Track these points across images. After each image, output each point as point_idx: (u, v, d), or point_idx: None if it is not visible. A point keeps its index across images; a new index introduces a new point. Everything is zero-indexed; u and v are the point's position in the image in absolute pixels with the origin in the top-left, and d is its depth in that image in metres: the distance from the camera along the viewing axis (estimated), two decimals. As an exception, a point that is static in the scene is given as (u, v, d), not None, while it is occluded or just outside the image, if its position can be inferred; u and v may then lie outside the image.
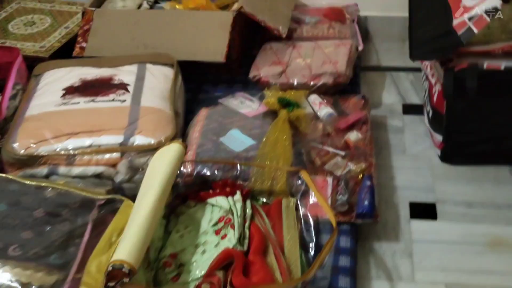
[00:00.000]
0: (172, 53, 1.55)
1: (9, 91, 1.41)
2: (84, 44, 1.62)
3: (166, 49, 1.58)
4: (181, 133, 1.40)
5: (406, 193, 1.37)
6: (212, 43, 1.59)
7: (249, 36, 1.76)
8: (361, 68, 1.77)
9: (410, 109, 1.64)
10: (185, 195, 1.24)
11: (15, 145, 1.24)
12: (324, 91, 1.56)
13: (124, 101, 1.35)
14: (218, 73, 1.67)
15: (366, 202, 1.24)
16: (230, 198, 1.17)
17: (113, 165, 1.25)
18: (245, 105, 1.45)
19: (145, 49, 1.60)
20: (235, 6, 1.66)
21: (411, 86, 1.73)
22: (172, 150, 1.18)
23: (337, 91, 1.58)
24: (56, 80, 1.44)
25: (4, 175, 1.21)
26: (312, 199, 1.20)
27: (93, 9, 1.66)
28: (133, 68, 1.49)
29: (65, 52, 1.66)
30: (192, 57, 1.58)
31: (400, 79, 1.76)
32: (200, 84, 1.68)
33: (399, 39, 1.89)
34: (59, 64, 1.51)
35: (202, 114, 1.43)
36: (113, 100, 1.35)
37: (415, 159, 1.47)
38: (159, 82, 1.44)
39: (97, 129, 1.27)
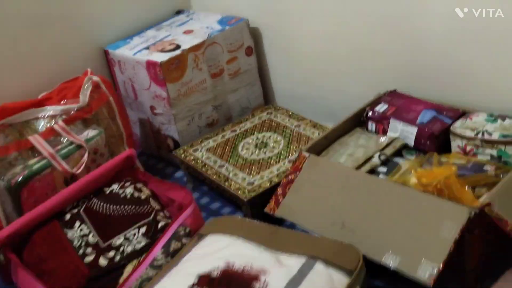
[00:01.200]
0: (369, 247, 1.12)
1: (155, 252, 1.21)
2: (280, 199, 1.31)
3: (362, 236, 1.15)
4: None
5: None
6: (426, 249, 1.08)
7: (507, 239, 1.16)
8: None
9: None
10: None
11: None
12: None
13: (236, 325, 1.00)
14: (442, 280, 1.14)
15: None
16: None
17: None
18: None
19: (340, 229, 1.19)
20: (487, 195, 1.09)
21: None
22: None
23: None
24: (205, 254, 1.18)
25: None
26: None
27: (307, 154, 1.33)
28: (298, 262, 1.11)
29: (269, 194, 1.36)
30: (391, 261, 1.11)
31: None
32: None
33: None
34: (226, 228, 1.24)
35: None
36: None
37: None
38: (311, 300, 1.04)
39: None
